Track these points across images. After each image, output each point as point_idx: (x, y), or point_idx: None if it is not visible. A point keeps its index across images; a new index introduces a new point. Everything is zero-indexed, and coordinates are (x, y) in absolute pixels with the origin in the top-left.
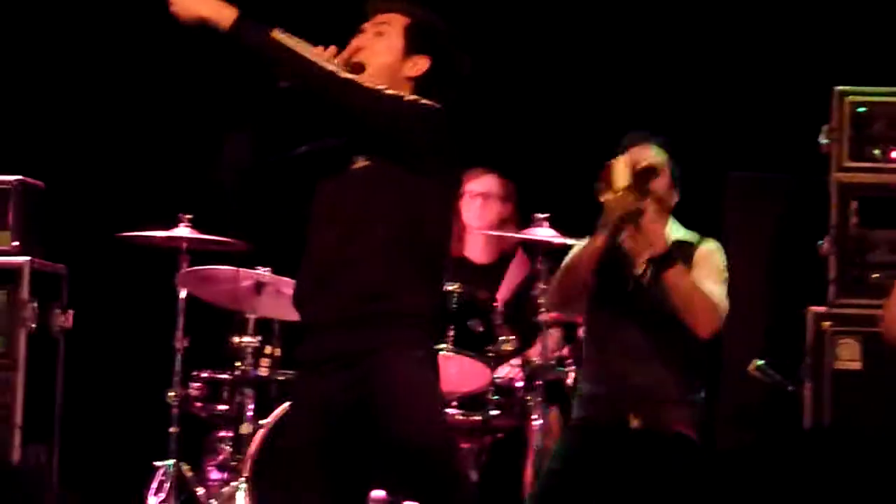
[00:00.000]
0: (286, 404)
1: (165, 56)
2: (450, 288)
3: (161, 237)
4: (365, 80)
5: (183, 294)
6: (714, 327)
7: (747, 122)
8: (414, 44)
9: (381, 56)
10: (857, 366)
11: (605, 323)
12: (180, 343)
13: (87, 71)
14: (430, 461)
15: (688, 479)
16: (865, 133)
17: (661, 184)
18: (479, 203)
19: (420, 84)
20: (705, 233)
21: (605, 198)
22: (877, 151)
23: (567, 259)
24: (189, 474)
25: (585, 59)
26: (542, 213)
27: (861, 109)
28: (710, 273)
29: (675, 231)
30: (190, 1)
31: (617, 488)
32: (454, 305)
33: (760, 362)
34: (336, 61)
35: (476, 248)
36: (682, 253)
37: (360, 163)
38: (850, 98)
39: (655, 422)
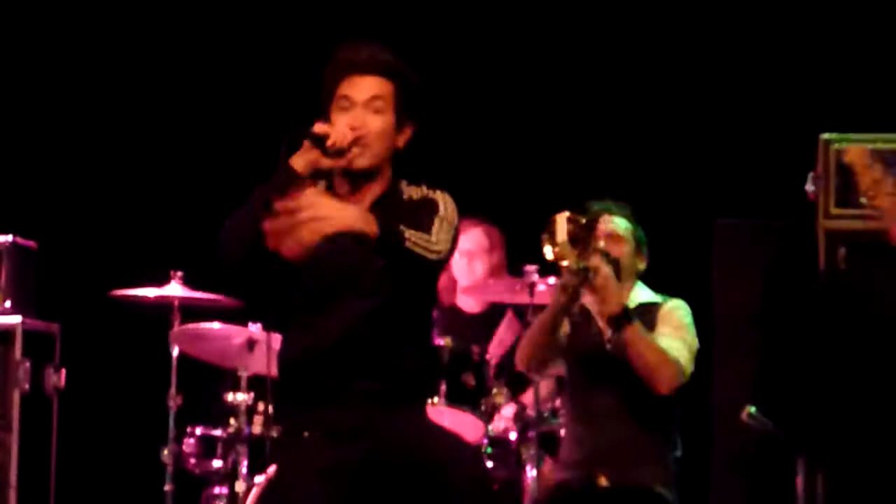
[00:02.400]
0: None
1: (154, 116)
2: (441, 342)
3: (153, 295)
4: (441, 240)
5: (175, 352)
6: (673, 384)
7: (734, 168)
8: (403, 115)
9: (382, 139)
10: None
11: (579, 384)
12: (174, 400)
13: (76, 130)
14: (484, 495)
15: None
16: (852, 180)
17: (623, 250)
18: (465, 261)
19: (402, 150)
20: (693, 280)
21: (547, 253)
22: (863, 199)
23: (536, 319)
24: None
25: (573, 105)
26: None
27: (846, 157)
28: (671, 329)
29: (642, 294)
30: (333, 218)
31: None
32: (446, 360)
33: (753, 409)
34: (342, 142)
35: (466, 299)
36: (645, 314)
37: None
38: (836, 146)
39: (625, 480)
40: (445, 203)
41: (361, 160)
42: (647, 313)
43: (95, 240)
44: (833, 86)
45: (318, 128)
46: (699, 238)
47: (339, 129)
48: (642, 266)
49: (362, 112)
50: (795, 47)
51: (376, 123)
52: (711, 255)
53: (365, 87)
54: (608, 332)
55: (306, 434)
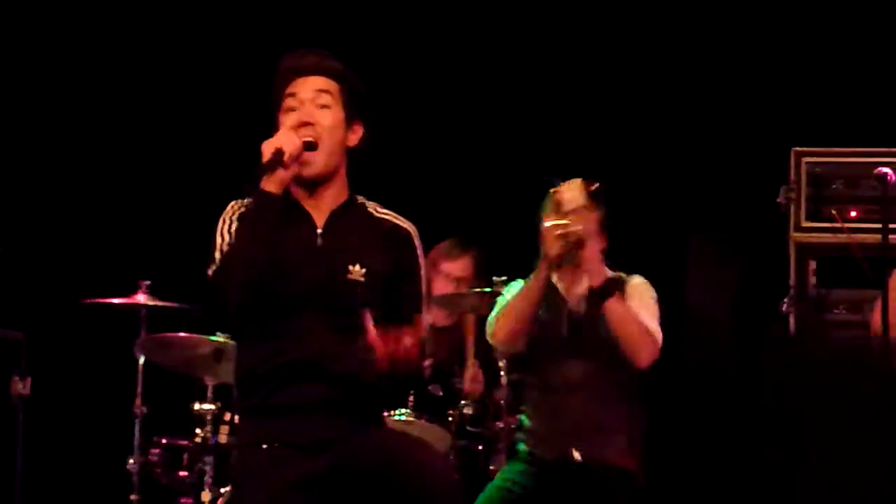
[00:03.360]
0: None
1: (124, 121)
2: None
3: (120, 303)
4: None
5: (142, 360)
6: (653, 356)
7: (708, 182)
8: (351, 111)
9: (333, 133)
10: None
11: (545, 359)
12: (139, 410)
13: (42, 138)
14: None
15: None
16: (823, 193)
17: (595, 225)
18: (453, 286)
19: (354, 151)
20: (668, 293)
21: (555, 222)
22: (834, 211)
23: (508, 297)
24: None
25: (546, 120)
26: (499, 275)
27: (818, 170)
28: (643, 305)
29: (606, 270)
30: None
31: None
32: None
33: None
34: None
35: (436, 311)
36: (616, 286)
37: (357, 272)
38: (808, 158)
39: (596, 454)
40: (416, 238)
41: (316, 164)
42: (617, 286)
43: (62, 248)
44: (805, 100)
45: (267, 149)
46: (673, 252)
47: (286, 138)
48: (603, 245)
49: (310, 107)
50: (768, 62)
51: (326, 117)
52: (686, 270)
53: (310, 85)
54: (579, 306)
55: (265, 446)
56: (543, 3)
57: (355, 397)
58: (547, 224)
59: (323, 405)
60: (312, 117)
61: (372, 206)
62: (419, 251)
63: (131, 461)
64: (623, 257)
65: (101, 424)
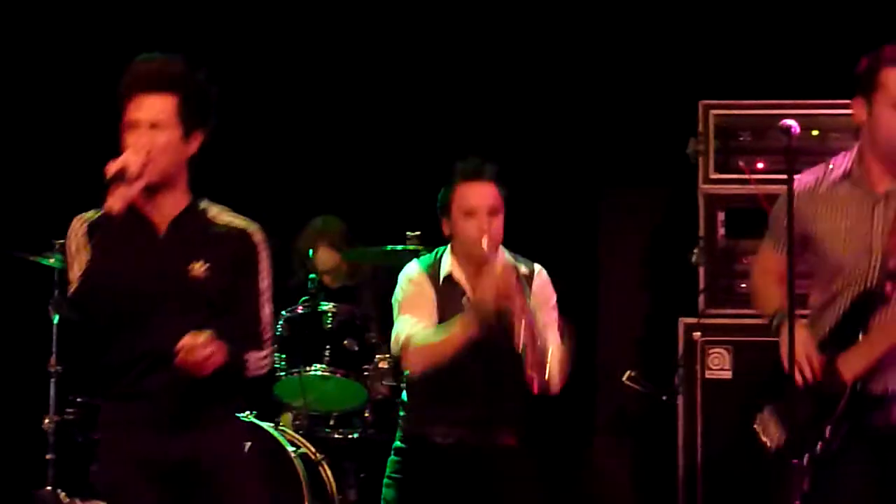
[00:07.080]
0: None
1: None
2: (325, 308)
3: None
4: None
5: (56, 319)
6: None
7: (619, 135)
8: (190, 124)
9: (167, 153)
10: (727, 375)
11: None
12: (55, 368)
13: None
14: None
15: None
16: (731, 145)
17: (498, 223)
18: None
19: (195, 154)
20: (580, 246)
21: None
22: (742, 163)
23: (430, 333)
24: (66, 501)
25: (455, 75)
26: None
27: (725, 122)
28: (550, 318)
29: (509, 259)
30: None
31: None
32: (329, 325)
33: (633, 373)
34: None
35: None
36: (524, 283)
37: (197, 268)
38: (715, 111)
39: (488, 440)
40: (257, 234)
41: (149, 177)
42: (524, 282)
43: None
44: (711, 52)
45: (112, 167)
46: (585, 206)
47: (129, 157)
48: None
49: (146, 131)
50: (674, 15)
51: (160, 139)
52: (598, 222)
53: (146, 107)
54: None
55: (126, 429)
56: None
57: (202, 387)
58: (489, 279)
59: (175, 393)
60: (147, 141)
61: (214, 210)
62: (259, 247)
63: (47, 420)
64: (536, 212)
65: (15, 383)
